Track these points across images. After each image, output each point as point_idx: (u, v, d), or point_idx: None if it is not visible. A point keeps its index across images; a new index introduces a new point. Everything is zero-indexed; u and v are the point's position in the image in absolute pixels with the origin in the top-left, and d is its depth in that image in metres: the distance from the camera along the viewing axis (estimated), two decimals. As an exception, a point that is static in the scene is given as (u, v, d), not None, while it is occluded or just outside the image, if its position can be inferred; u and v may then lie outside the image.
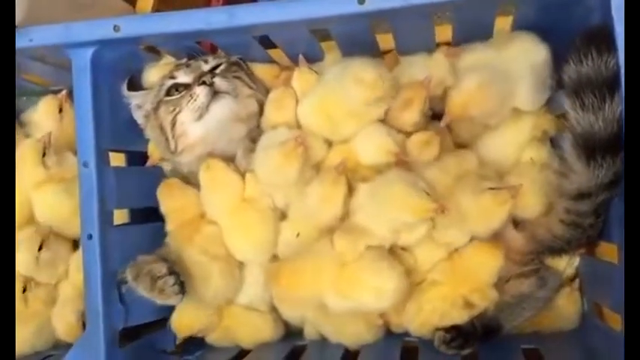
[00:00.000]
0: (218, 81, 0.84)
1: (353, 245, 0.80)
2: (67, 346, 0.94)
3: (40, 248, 0.93)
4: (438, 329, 0.82)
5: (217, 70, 0.87)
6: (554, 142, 0.85)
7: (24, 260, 0.91)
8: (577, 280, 0.89)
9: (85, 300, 0.81)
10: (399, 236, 0.81)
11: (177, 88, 0.86)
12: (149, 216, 0.93)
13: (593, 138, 0.67)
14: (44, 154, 0.96)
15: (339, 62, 0.87)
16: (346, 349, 0.87)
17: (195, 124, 0.85)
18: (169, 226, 0.90)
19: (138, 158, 0.95)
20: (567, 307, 0.87)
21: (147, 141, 0.94)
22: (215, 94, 0.83)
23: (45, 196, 0.94)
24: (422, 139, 0.83)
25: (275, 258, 0.87)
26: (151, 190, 0.91)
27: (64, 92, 1.01)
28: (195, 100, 0.83)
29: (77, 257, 0.95)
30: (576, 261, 0.87)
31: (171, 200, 0.89)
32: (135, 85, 0.90)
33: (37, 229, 0.95)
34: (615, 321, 0.79)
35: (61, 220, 0.95)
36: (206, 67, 0.87)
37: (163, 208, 0.90)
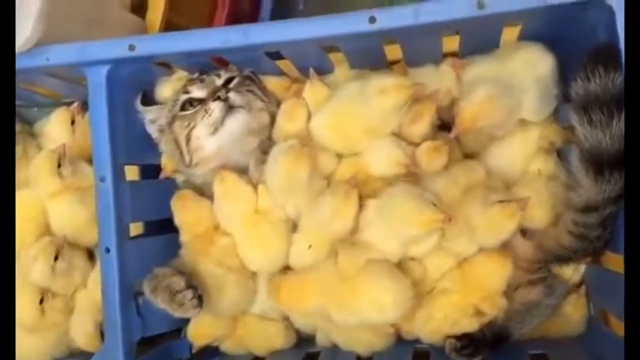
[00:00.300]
0: (232, 96, 0.85)
1: (354, 260, 0.82)
2: (83, 353, 0.98)
3: (55, 259, 0.94)
4: (448, 337, 0.84)
5: (231, 85, 0.88)
6: (561, 154, 0.87)
7: (40, 271, 0.92)
8: (583, 287, 0.90)
9: (103, 312, 0.83)
10: (409, 249, 0.83)
11: (191, 102, 0.88)
12: (164, 227, 0.94)
13: (600, 154, 0.68)
14: (59, 165, 0.97)
15: (351, 77, 0.89)
16: (358, 355, 0.89)
17: (210, 138, 0.86)
18: (184, 238, 0.91)
19: (151, 170, 0.97)
20: (574, 313, 0.89)
21: (160, 154, 0.96)
22: (230, 108, 0.85)
23: (61, 206, 0.96)
24: (431, 147, 0.84)
25: (287, 268, 0.89)
26: (164, 201, 0.93)
27: (76, 104, 1.03)
28: (210, 115, 0.85)
29: (94, 267, 0.98)
30: (583, 268, 0.88)
31: (184, 212, 0.91)
32: (148, 99, 0.92)
33: (52, 240, 0.95)
34: (621, 328, 0.81)
35: (77, 230, 0.96)
36: (219, 82, 0.88)
37: (177, 221, 0.92)
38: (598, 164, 0.69)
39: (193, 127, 0.86)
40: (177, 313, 0.80)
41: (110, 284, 0.83)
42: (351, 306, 0.81)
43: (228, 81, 0.89)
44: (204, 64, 0.90)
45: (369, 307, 0.80)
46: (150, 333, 0.88)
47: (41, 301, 0.96)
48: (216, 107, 0.85)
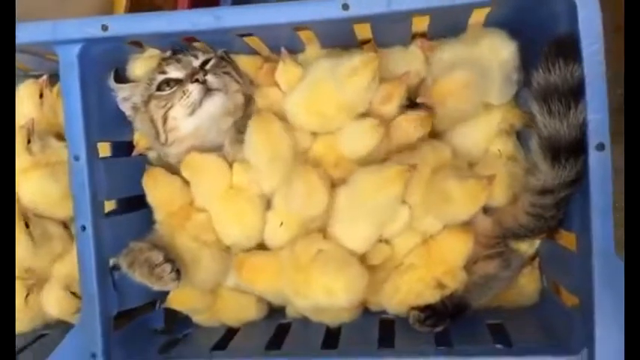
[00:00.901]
0: (210, 78, 0.87)
1: (309, 249, 0.86)
2: (59, 324, 1.00)
3: (27, 226, 0.95)
4: (412, 309, 0.89)
5: (208, 66, 0.90)
6: (519, 136, 0.91)
7: (22, 241, 0.93)
8: (537, 260, 0.96)
9: (80, 288, 0.85)
10: (383, 230, 0.88)
11: (168, 83, 0.89)
12: (136, 203, 0.96)
13: (558, 142, 0.73)
14: (29, 141, 0.97)
15: (323, 57, 0.91)
16: (328, 326, 0.94)
17: (187, 118, 0.88)
18: (158, 217, 0.93)
19: (123, 147, 0.97)
20: (528, 285, 0.95)
21: (132, 130, 0.97)
22: (208, 91, 0.86)
23: (32, 183, 0.97)
24: (414, 117, 0.88)
25: (263, 247, 0.92)
26: (137, 178, 0.94)
27: (44, 77, 1.02)
28: (187, 97, 0.86)
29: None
30: (537, 243, 0.94)
31: (157, 191, 0.92)
32: (120, 77, 0.92)
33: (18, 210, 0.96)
34: (569, 299, 0.88)
35: (49, 205, 0.98)
36: (196, 63, 0.89)
37: (150, 199, 0.93)
38: (555, 151, 0.74)
39: (170, 108, 0.88)
40: (156, 287, 0.83)
41: (87, 261, 0.84)
42: (304, 293, 0.85)
43: (205, 62, 0.90)
44: (176, 44, 0.90)
45: (319, 293, 0.84)
46: (126, 306, 0.90)
47: (27, 295, 0.98)
48: (194, 89, 0.86)
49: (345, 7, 0.75)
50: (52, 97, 1.04)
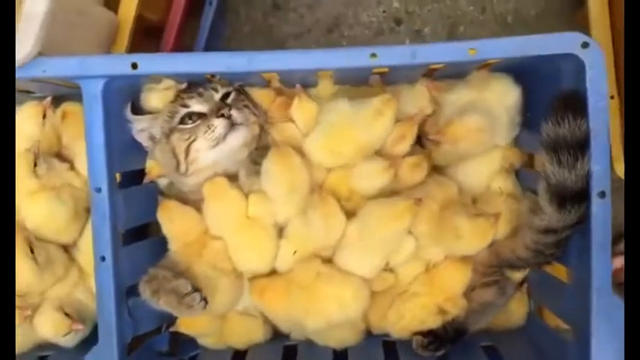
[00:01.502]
0: (235, 113, 0.90)
1: (306, 272, 0.91)
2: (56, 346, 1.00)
3: (32, 251, 0.94)
4: (415, 334, 0.95)
5: (229, 100, 0.92)
6: (518, 175, 0.99)
7: (28, 268, 0.93)
8: (525, 286, 1.04)
9: (98, 316, 0.86)
10: (390, 259, 0.93)
11: (190, 116, 0.90)
12: (148, 229, 0.97)
13: (565, 190, 0.80)
14: (35, 164, 0.97)
15: (334, 92, 0.96)
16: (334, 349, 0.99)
17: (210, 151, 0.90)
18: (173, 247, 0.94)
19: (133, 175, 0.98)
20: (517, 309, 1.03)
21: (144, 159, 0.98)
22: (232, 125, 0.89)
23: (40, 206, 0.96)
24: (414, 162, 0.94)
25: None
26: (149, 205, 0.96)
27: (48, 99, 1.01)
28: (212, 131, 0.89)
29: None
30: (526, 271, 1.02)
31: (172, 224, 0.94)
32: (137, 108, 0.92)
33: (21, 235, 0.95)
34: (554, 320, 0.98)
35: (56, 228, 0.97)
36: (217, 97, 0.92)
37: (165, 231, 0.94)
38: (562, 198, 0.80)
39: (194, 141, 0.90)
40: (183, 314, 0.86)
41: (106, 290, 0.85)
42: (315, 310, 0.90)
43: (225, 95, 0.92)
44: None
45: (331, 305, 0.89)
46: (140, 332, 0.93)
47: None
48: (219, 124, 0.89)
49: (374, 56, 0.79)
50: (53, 119, 1.03)
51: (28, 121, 1.01)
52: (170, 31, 1.11)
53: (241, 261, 0.93)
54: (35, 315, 0.98)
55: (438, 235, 0.91)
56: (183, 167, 0.91)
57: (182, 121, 0.91)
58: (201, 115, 0.90)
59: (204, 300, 0.84)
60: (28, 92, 1.04)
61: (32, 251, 0.94)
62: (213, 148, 0.90)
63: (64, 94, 1.02)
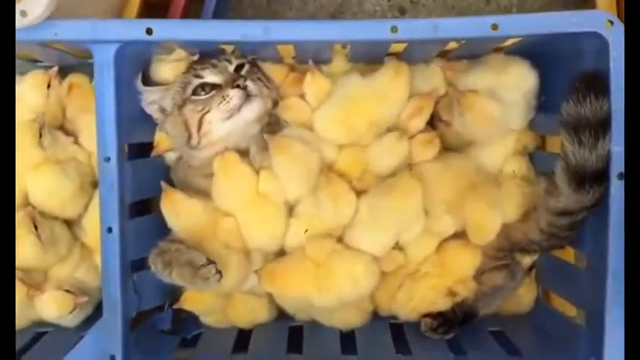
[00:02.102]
0: (250, 84, 0.88)
1: (321, 250, 0.89)
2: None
3: (35, 228, 0.92)
4: (424, 316, 0.94)
5: (243, 72, 0.90)
6: (531, 157, 0.98)
7: (31, 243, 0.91)
8: (533, 271, 1.03)
9: (102, 290, 0.84)
10: (401, 236, 0.91)
11: (203, 87, 0.88)
12: (152, 205, 0.95)
13: (584, 170, 0.78)
14: (40, 135, 0.94)
15: (353, 74, 0.93)
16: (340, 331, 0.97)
17: (223, 123, 0.88)
18: (181, 235, 0.91)
19: (140, 148, 0.95)
20: (526, 294, 1.02)
21: (153, 132, 0.96)
22: (247, 97, 0.88)
23: (44, 178, 0.94)
24: (425, 138, 0.93)
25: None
26: (156, 180, 0.93)
27: (55, 69, 0.99)
28: (228, 102, 0.87)
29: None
30: (536, 255, 1.01)
31: (176, 218, 0.91)
32: (147, 79, 0.90)
33: (25, 212, 0.93)
34: (562, 305, 0.97)
35: (61, 202, 0.95)
36: (231, 68, 0.90)
37: (171, 224, 0.92)
38: (581, 178, 0.79)
39: (207, 112, 0.88)
40: (196, 287, 0.85)
41: (111, 264, 0.83)
42: (327, 287, 0.88)
43: (239, 67, 0.91)
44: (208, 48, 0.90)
45: (344, 281, 0.88)
46: (144, 308, 0.91)
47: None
48: (235, 95, 0.87)
49: (394, 29, 0.77)
50: (58, 89, 1.00)
51: (32, 90, 0.98)
52: (174, 15, 1.09)
53: (251, 237, 0.91)
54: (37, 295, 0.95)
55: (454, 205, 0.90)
56: (195, 140, 0.89)
57: (195, 92, 0.89)
58: (214, 87, 0.89)
59: (219, 273, 0.83)
60: (35, 61, 1.01)
61: (36, 228, 0.92)
62: (227, 120, 0.88)
63: (71, 64, 1.00)
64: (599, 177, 0.78)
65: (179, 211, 0.91)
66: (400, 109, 0.90)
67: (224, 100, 0.87)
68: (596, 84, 0.78)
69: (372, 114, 0.89)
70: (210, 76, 0.89)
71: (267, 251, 0.93)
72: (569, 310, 0.97)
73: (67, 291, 0.95)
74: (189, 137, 0.90)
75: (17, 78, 0.99)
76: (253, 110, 0.89)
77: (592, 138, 0.77)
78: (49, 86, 0.99)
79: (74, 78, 1.01)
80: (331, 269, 0.88)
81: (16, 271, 0.93)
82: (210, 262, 0.83)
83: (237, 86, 0.87)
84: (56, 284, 0.96)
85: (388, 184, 0.89)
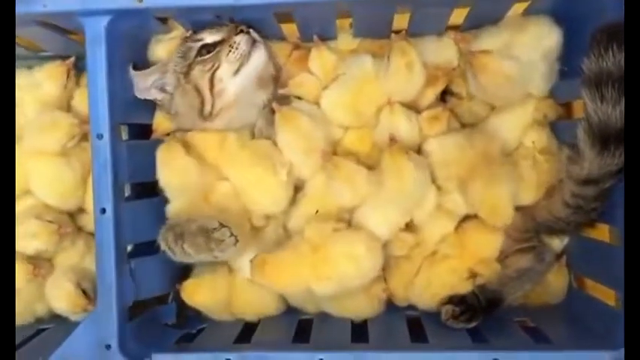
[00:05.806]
0: (252, 31, 0.86)
1: (320, 232, 0.84)
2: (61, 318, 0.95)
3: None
4: (445, 303, 0.87)
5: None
6: (554, 129, 0.90)
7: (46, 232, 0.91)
8: (564, 257, 0.95)
9: (97, 275, 0.80)
10: (414, 214, 0.86)
11: (206, 48, 0.86)
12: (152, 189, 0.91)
13: (608, 129, 0.71)
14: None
15: (353, 46, 0.91)
16: (352, 321, 0.90)
17: (233, 78, 0.86)
18: (175, 204, 0.89)
19: (139, 131, 0.93)
20: (555, 282, 0.93)
21: (151, 115, 0.93)
22: (253, 42, 0.86)
23: (47, 168, 0.93)
24: (432, 114, 0.88)
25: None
26: (154, 163, 0.89)
27: (72, 59, 0.97)
28: (236, 48, 0.85)
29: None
30: (566, 240, 0.92)
31: (170, 172, 0.87)
32: (139, 68, 0.88)
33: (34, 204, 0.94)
34: (598, 291, 0.88)
35: (61, 193, 0.94)
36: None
37: (163, 181, 0.88)
38: (605, 138, 0.72)
39: (217, 68, 0.86)
40: (213, 254, 0.80)
41: (105, 246, 0.80)
42: (327, 271, 0.82)
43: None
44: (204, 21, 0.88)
45: (345, 263, 0.81)
46: (142, 297, 0.86)
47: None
48: (242, 39, 0.85)
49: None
50: (73, 81, 0.99)
51: (49, 79, 0.97)
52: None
53: (251, 201, 0.88)
54: (48, 284, 0.94)
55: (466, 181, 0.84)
56: (208, 106, 0.87)
57: (200, 54, 0.87)
58: (217, 44, 0.86)
59: (235, 236, 0.80)
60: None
61: None
62: (237, 74, 0.86)
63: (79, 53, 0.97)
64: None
65: (174, 165, 0.87)
66: (409, 97, 0.87)
67: (232, 47, 0.85)
68: (618, 35, 0.71)
69: (381, 101, 0.86)
70: (210, 37, 0.87)
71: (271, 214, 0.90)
72: (608, 297, 0.87)
73: (84, 292, 0.92)
74: (203, 103, 0.87)
75: (30, 70, 0.99)
76: (261, 56, 0.87)
77: (615, 92, 0.71)
78: (68, 76, 0.98)
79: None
80: (329, 254, 0.82)
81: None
82: (223, 225, 0.80)
83: (242, 31, 0.85)
84: (72, 277, 0.93)
85: (394, 159, 0.83)
